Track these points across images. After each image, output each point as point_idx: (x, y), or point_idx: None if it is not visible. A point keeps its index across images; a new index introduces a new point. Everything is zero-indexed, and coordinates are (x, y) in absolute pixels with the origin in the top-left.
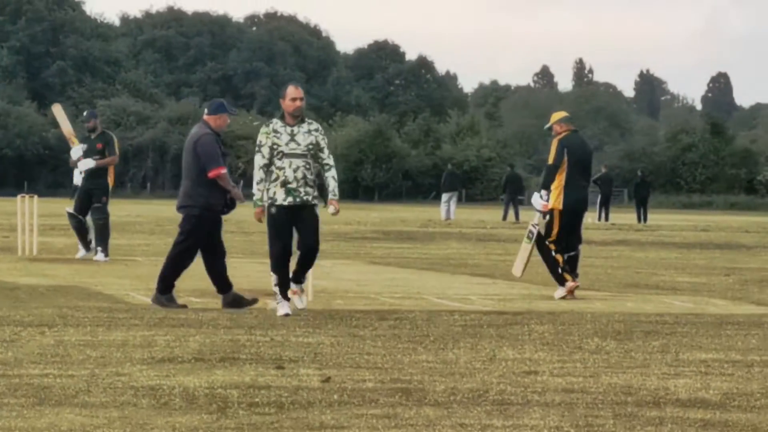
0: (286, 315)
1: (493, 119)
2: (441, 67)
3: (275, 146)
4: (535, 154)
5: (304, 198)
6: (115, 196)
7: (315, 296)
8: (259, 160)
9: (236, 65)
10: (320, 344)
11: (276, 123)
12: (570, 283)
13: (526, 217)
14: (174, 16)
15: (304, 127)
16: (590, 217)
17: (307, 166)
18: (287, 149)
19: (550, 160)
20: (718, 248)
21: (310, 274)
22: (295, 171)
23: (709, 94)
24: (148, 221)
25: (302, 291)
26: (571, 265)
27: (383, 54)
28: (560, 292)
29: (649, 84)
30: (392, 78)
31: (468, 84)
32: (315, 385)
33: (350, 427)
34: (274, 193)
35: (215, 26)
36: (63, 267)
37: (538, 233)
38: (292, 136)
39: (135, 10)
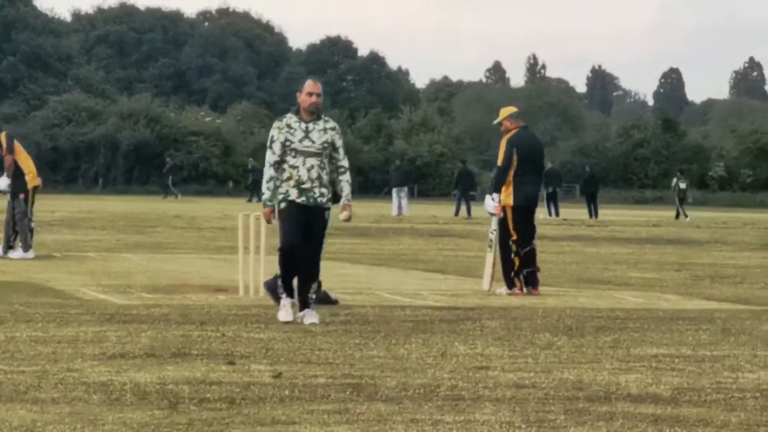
0: (287, 323)
1: (445, 115)
2: (393, 63)
3: (288, 142)
4: (487, 150)
5: (318, 200)
6: (67, 191)
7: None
8: (270, 157)
9: (189, 60)
10: (272, 340)
11: (290, 118)
12: (516, 290)
13: (477, 213)
14: (126, 11)
15: (320, 124)
16: (541, 213)
17: (322, 166)
18: (301, 146)
19: (500, 162)
20: (670, 243)
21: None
22: (309, 170)
23: (661, 90)
24: (100, 217)
25: (312, 309)
26: (529, 260)
27: (335, 50)
28: (503, 291)
29: (601, 79)
30: (344, 74)
31: (420, 80)
32: (266, 380)
33: (301, 423)
34: (287, 191)
35: (167, 22)
36: (14, 263)
37: (500, 233)
38: (307, 132)
39: (87, 6)
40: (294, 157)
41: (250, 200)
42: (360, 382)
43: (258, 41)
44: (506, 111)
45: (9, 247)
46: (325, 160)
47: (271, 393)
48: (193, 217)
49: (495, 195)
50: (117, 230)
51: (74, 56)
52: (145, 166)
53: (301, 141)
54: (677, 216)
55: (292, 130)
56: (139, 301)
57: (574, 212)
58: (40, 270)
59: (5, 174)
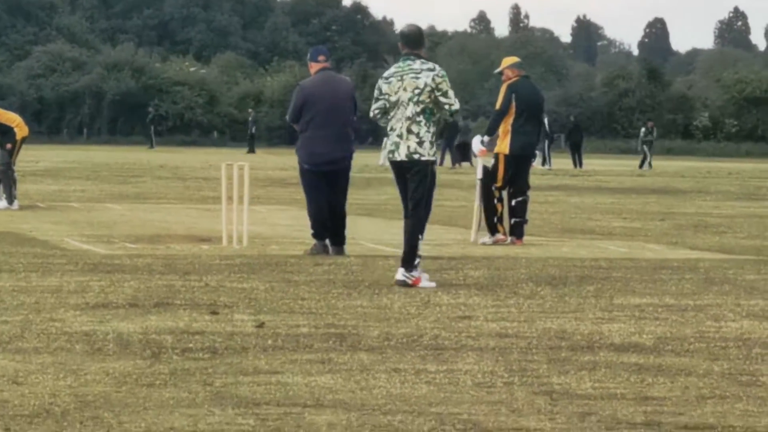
0: (398, 282)
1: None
2: (377, 13)
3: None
4: (471, 100)
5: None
6: (51, 142)
7: (250, 242)
8: None
9: (173, 11)
10: (255, 290)
11: None
12: (500, 236)
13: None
14: None
15: None
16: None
17: None
18: None
19: (498, 106)
20: (654, 193)
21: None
22: None
23: (646, 40)
24: (84, 167)
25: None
26: (521, 210)
27: (320, 0)
28: (487, 239)
29: (585, 29)
30: (329, 24)
31: None
32: (249, 330)
33: (284, 372)
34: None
35: None
36: None
37: (484, 176)
38: None
39: None
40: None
41: (252, 150)
42: (343, 332)
43: None
44: (508, 60)
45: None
46: None
47: (253, 343)
48: (177, 167)
49: (485, 137)
50: (101, 180)
51: (58, 5)
52: (130, 116)
53: None
54: (650, 165)
55: None
56: (122, 251)
57: (559, 162)
58: (23, 220)
59: None
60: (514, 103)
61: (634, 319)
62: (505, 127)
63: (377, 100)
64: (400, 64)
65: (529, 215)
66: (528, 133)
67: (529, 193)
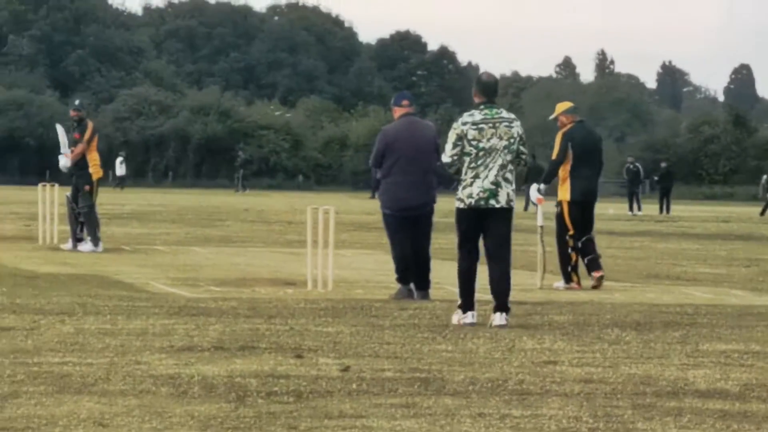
0: (472, 324)
1: (514, 110)
2: (463, 58)
3: None
4: None
5: None
6: (136, 185)
7: (335, 286)
8: None
9: (259, 55)
10: (339, 333)
11: None
12: (573, 284)
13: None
14: (196, 6)
15: None
16: (619, 209)
17: None
18: None
19: (554, 156)
20: (740, 239)
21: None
22: None
23: (732, 86)
24: (169, 211)
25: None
26: (589, 249)
27: (405, 44)
28: (560, 284)
29: (671, 75)
30: (414, 68)
31: None
32: (334, 374)
33: (369, 416)
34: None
35: (237, 16)
36: (83, 255)
37: (557, 228)
38: None
39: (158, 0)
40: None
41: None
42: (428, 376)
43: (328, 36)
44: (562, 106)
45: (78, 240)
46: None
47: (338, 387)
48: (262, 211)
49: (542, 186)
50: (186, 224)
51: (145, 50)
52: (216, 159)
53: None
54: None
55: None
56: (207, 295)
57: (644, 207)
58: (108, 263)
59: (66, 156)
60: (570, 152)
61: (720, 366)
62: (564, 174)
63: (456, 145)
64: (487, 111)
65: (615, 260)
66: (587, 177)
67: (593, 232)
